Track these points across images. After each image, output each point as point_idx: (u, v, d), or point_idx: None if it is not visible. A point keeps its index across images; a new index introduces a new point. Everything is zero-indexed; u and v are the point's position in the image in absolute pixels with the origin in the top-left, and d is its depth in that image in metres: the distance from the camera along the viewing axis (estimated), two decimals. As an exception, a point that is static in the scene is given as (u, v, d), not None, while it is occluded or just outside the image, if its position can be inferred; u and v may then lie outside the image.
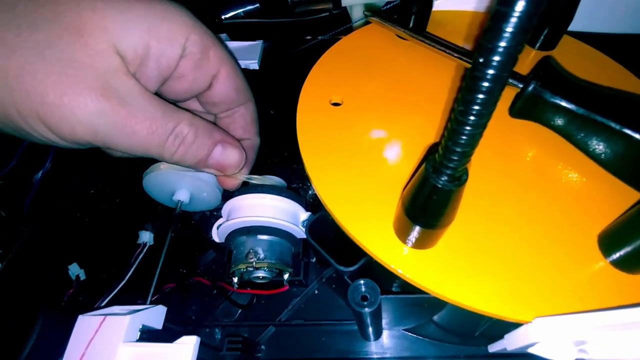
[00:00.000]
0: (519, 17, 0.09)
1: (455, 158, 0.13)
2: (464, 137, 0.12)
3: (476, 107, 0.11)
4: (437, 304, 0.21)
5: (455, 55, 0.27)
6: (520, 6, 0.09)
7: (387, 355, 0.28)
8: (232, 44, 0.43)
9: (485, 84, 0.10)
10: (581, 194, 0.21)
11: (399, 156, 0.23)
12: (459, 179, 0.14)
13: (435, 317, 0.26)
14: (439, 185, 0.14)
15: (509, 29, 0.09)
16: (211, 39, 0.22)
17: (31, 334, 0.26)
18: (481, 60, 0.10)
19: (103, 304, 0.29)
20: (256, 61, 0.42)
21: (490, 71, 0.10)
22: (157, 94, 0.22)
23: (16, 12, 0.17)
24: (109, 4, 0.18)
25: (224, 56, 0.23)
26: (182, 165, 0.23)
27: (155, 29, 0.20)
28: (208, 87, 0.24)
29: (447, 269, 0.18)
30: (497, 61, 0.10)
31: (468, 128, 0.12)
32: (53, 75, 0.17)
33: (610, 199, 0.21)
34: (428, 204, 0.15)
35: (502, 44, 0.10)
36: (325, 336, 0.30)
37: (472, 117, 0.11)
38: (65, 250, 0.34)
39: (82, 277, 0.32)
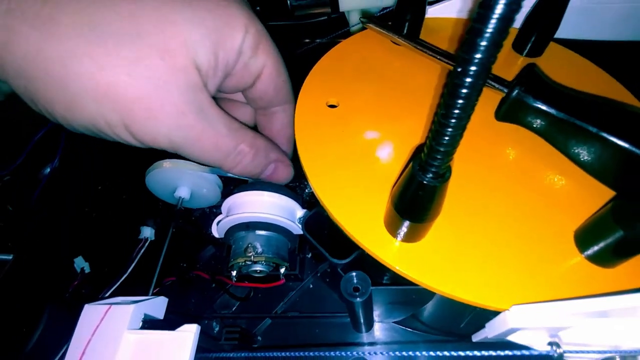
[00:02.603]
0: (491, 33, 0.10)
1: (439, 157, 0.14)
2: (446, 138, 0.13)
3: (456, 111, 0.12)
4: (425, 295, 0.22)
5: (445, 60, 0.28)
6: (492, 23, 0.10)
7: (378, 343, 0.30)
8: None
9: (464, 90, 0.12)
10: (560, 193, 0.23)
11: (390, 156, 0.24)
12: (443, 176, 0.15)
13: (424, 310, 0.27)
14: (425, 182, 0.15)
15: (483, 43, 0.11)
16: (263, 35, 0.23)
17: (38, 324, 0.27)
18: (459, 69, 0.11)
19: (106, 296, 0.30)
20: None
21: (468, 79, 0.11)
22: None
23: (100, 28, 0.18)
24: (186, 18, 0.19)
25: (270, 52, 0.24)
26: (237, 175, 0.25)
27: (222, 38, 0.21)
28: (252, 84, 0.25)
29: (433, 261, 0.20)
30: (474, 70, 0.11)
31: (449, 129, 0.13)
32: (140, 92, 0.18)
33: (587, 198, 0.22)
34: (415, 199, 0.16)
35: (478, 55, 0.11)
36: (319, 328, 0.31)
37: (452, 120, 0.13)
38: (71, 243, 0.35)
39: (87, 270, 0.33)
